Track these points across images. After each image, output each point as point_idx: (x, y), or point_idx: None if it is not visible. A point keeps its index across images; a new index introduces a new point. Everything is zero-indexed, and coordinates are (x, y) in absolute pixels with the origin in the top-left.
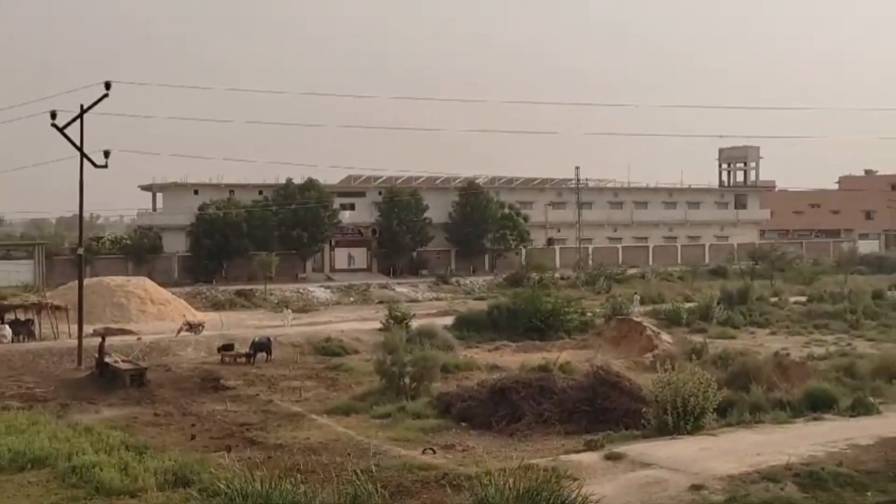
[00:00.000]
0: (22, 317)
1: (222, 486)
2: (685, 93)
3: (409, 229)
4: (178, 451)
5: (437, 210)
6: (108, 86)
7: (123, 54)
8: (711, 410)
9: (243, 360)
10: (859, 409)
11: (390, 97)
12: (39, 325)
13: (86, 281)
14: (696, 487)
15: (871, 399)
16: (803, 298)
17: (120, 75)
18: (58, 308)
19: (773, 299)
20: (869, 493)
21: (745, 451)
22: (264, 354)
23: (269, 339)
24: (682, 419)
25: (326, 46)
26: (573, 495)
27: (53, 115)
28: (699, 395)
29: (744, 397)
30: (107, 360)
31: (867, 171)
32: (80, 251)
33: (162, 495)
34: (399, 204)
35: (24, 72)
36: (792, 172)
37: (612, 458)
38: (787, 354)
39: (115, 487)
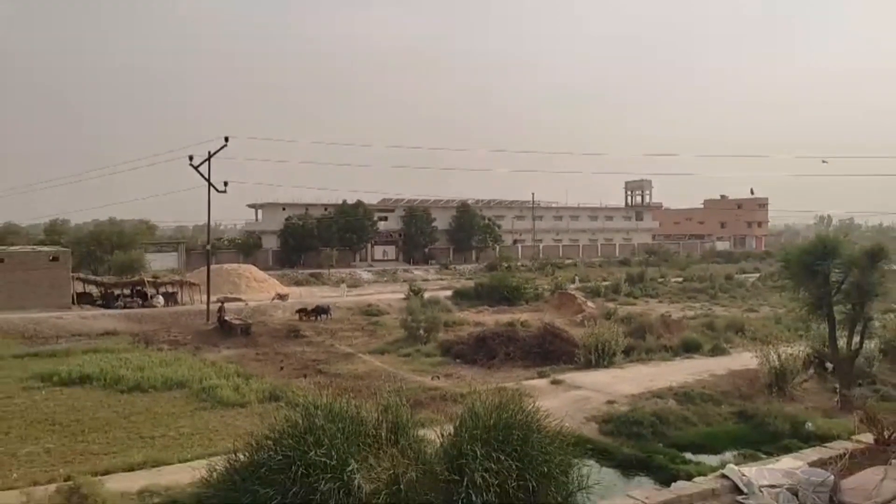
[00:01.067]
0: (170, 290)
1: (301, 400)
2: (605, 142)
3: (423, 234)
4: (272, 378)
5: (442, 221)
6: (226, 139)
7: (243, 111)
8: (620, 352)
9: (313, 318)
10: (717, 351)
11: (413, 147)
12: (181, 295)
13: (212, 267)
14: (610, 402)
15: (724, 345)
16: (680, 279)
17: (238, 131)
18: (193, 284)
19: (660, 280)
20: (722, 405)
21: (642, 379)
22: (325, 315)
23: (328, 306)
24: (600, 358)
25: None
26: (530, 406)
27: (191, 158)
28: (612, 341)
29: (641, 343)
30: (225, 318)
31: (722, 196)
32: (208, 247)
33: (261, 406)
34: (416, 217)
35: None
36: (673, 197)
37: (555, 383)
38: (670, 315)
39: (230, 401)
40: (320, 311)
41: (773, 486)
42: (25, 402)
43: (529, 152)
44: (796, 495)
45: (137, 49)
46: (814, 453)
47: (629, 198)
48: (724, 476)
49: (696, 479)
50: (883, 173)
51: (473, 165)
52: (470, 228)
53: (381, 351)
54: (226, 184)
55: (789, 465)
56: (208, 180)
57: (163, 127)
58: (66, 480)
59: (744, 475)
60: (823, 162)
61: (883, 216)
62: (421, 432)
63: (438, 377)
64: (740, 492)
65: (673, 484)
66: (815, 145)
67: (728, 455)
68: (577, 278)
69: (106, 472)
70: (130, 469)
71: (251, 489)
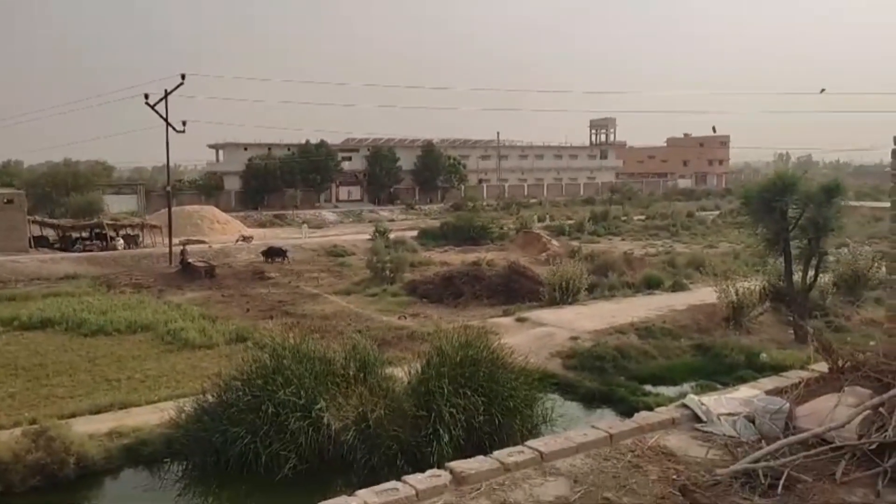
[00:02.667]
0: (130, 232)
1: (268, 341)
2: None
3: (388, 174)
4: (238, 320)
5: (406, 161)
6: (182, 77)
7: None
8: (584, 289)
9: (269, 260)
10: (677, 287)
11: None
12: (142, 238)
13: (173, 209)
14: (573, 338)
15: (685, 281)
16: (643, 217)
17: (199, 68)
18: (154, 226)
19: (624, 218)
20: (682, 339)
21: (605, 315)
22: (281, 258)
23: (284, 248)
24: (565, 295)
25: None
26: (495, 344)
27: (146, 96)
28: (576, 279)
29: (604, 280)
30: (189, 260)
31: (685, 134)
32: (169, 189)
33: (228, 348)
34: (380, 157)
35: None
36: (636, 135)
37: (520, 320)
38: (632, 253)
39: (196, 343)
40: (276, 252)
41: (731, 415)
42: None
43: (495, 90)
44: (753, 422)
45: None
46: (770, 382)
47: (593, 136)
48: (684, 406)
49: (658, 409)
50: (839, 110)
51: (442, 105)
52: (435, 168)
53: (347, 292)
54: (184, 123)
55: (746, 394)
56: (166, 119)
57: (119, 64)
58: (31, 423)
59: (703, 404)
60: (822, 90)
61: (840, 153)
62: (389, 371)
63: (405, 317)
64: (699, 420)
65: (636, 414)
66: (779, 82)
67: (686, 386)
68: (539, 217)
69: (72, 415)
70: (97, 412)
71: (221, 428)
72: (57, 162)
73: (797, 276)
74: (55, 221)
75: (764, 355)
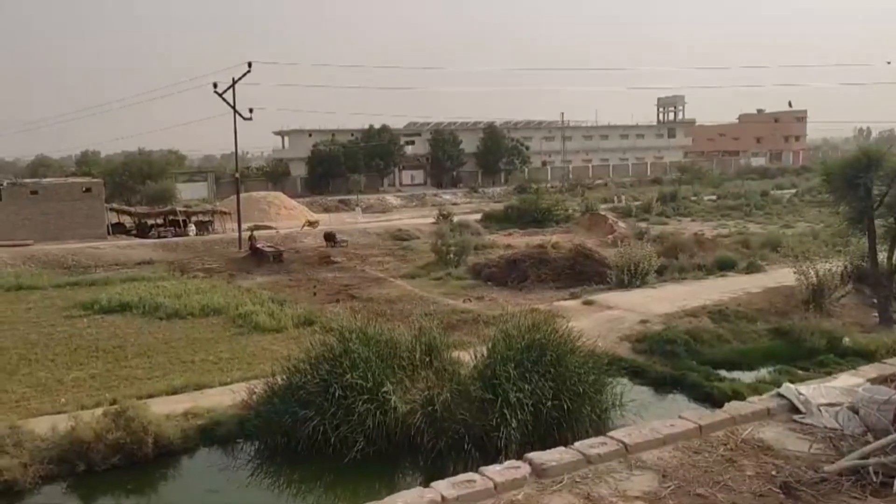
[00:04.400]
0: (202, 219)
1: (335, 324)
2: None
3: (450, 157)
4: (306, 304)
5: (469, 144)
6: (249, 65)
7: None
8: (653, 272)
9: (330, 244)
10: (752, 268)
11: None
12: (213, 224)
13: (241, 195)
14: (643, 321)
15: (760, 262)
16: (714, 197)
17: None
18: (224, 213)
19: (693, 198)
20: (758, 322)
21: (675, 298)
22: (335, 242)
23: (337, 234)
24: (633, 278)
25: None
26: (562, 327)
27: (215, 85)
28: (645, 261)
29: (674, 262)
30: (257, 245)
31: (759, 111)
32: (237, 175)
33: (296, 331)
34: (443, 141)
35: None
36: (707, 112)
37: (587, 303)
38: (703, 234)
39: (266, 326)
40: (332, 237)
41: (832, 405)
42: (69, 331)
43: (559, 69)
44: (857, 413)
45: None
46: (873, 370)
47: (661, 115)
48: (780, 395)
49: (750, 399)
50: None
51: (503, 87)
52: (497, 151)
53: (412, 275)
54: (251, 111)
55: (848, 383)
56: (234, 107)
57: (186, 57)
58: (111, 404)
59: (801, 394)
60: (888, 63)
61: None
62: (455, 354)
63: (470, 300)
64: (797, 411)
65: (726, 404)
66: (857, 55)
67: (763, 371)
68: (606, 199)
69: (150, 396)
70: (173, 392)
71: (291, 410)
72: (132, 151)
73: (882, 257)
74: (131, 209)
75: (847, 339)
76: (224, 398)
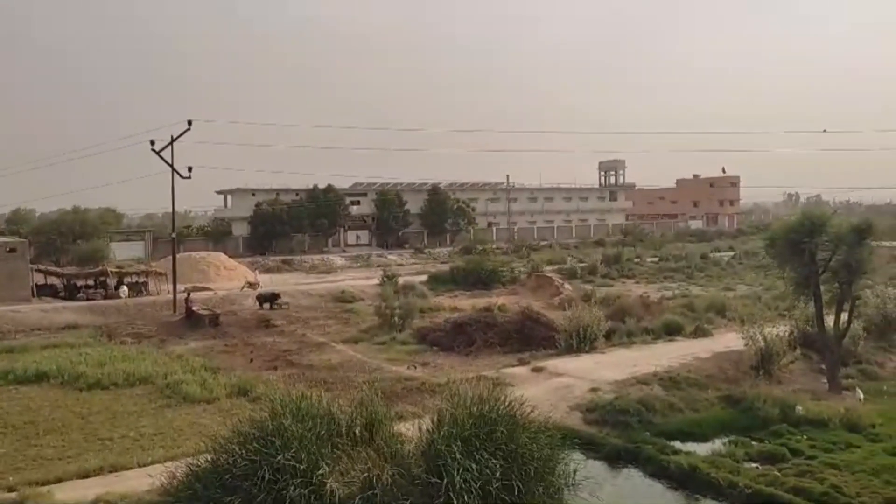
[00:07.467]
0: (136, 280)
1: (268, 397)
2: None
3: (395, 218)
4: (241, 371)
5: (414, 204)
6: (189, 123)
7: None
8: (601, 336)
9: (270, 305)
10: (699, 332)
11: (371, 128)
12: (147, 286)
13: (179, 255)
14: (594, 389)
15: (706, 326)
16: (656, 259)
17: (199, 114)
18: (159, 273)
19: (636, 260)
20: (709, 390)
21: (625, 363)
22: (272, 303)
23: (276, 293)
24: (581, 342)
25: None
26: (511, 397)
27: (152, 143)
28: (593, 325)
29: (622, 326)
30: (193, 308)
31: (695, 175)
32: (173, 235)
33: (229, 402)
34: (388, 201)
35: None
36: (645, 176)
37: (536, 370)
38: (648, 296)
39: (196, 397)
40: (269, 298)
41: None
42: None
43: (506, 132)
44: None
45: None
46: None
47: (603, 178)
48: None
49: None
50: (850, 148)
51: (447, 148)
52: (442, 211)
53: (354, 340)
54: (190, 169)
55: None
56: (171, 166)
57: (129, 112)
58: (9, 492)
59: None
60: (824, 131)
61: (850, 192)
62: (398, 427)
63: (415, 366)
64: None
65: None
66: (785, 119)
67: (717, 444)
68: (550, 261)
69: (58, 480)
70: (85, 475)
71: (214, 497)
72: (67, 209)
73: (828, 322)
74: (58, 269)
75: (800, 408)
76: (141, 482)
